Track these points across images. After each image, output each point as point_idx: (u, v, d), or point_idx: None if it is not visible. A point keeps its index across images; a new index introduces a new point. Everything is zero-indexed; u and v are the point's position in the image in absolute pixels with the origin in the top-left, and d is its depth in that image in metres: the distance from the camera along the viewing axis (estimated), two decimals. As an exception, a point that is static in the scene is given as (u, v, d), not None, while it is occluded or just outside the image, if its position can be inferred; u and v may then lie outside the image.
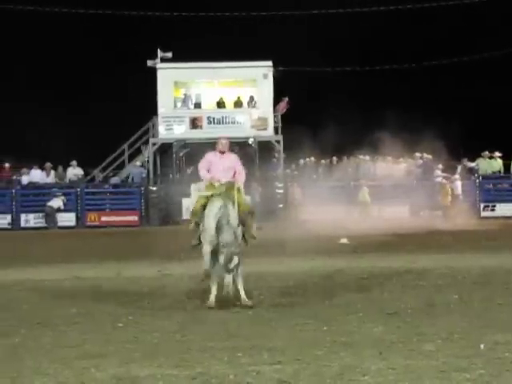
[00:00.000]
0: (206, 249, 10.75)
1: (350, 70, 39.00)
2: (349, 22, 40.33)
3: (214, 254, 10.79)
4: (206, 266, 10.76)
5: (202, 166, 11.31)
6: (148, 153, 34.00)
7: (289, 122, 33.15)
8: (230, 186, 10.97)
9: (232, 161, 11.42)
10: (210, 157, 11.39)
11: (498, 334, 8.68)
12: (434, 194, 30.41)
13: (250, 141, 33.05)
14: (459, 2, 37.83)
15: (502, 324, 9.29)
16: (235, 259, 10.46)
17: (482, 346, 8.18)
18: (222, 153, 11.38)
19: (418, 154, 32.54)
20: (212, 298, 10.71)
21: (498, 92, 41.16)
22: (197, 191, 11.62)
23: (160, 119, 33.64)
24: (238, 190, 11.02)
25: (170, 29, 39.24)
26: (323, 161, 34.72)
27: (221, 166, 11.21)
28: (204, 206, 10.90)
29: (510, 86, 40.95)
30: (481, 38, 40.43)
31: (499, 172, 33.39)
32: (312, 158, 34.29)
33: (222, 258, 10.48)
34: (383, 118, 28.60)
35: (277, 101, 34.09)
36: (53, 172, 34.14)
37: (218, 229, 10.52)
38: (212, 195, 10.92)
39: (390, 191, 30.31)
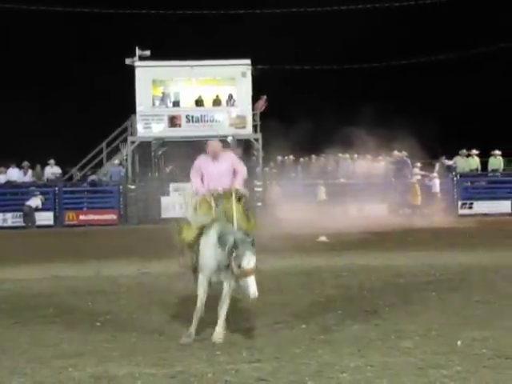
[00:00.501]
0: (203, 281, 9.13)
1: (328, 69, 39.06)
2: (327, 20, 40.45)
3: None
4: (200, 301, 9.05)
5: (194, 174, 9.59)
6: (126, 151, 33.89)
7: (268, 120, 33.15)
8: (228, 196, 9.26)
9: (228, 161, 9.66)
10: (201, 162, 9.65)
11: (475, 331, 8.75)
12: (413, 192, 30.52)
13: (229, 139, 33.02)
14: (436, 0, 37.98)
15: (479, 321, 9.37)
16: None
17: (459, 343, 8.24)
18: (215, 156, 9.62)
19: (396, 153, 32.66)
20: (192, 331, 8.95)
21: (475, 91, 41.44)
22: (186, 204, 9.68)
23: (138, 117, 33.53)
24: (239, 199, 9.36)
25: (148, 27, 39.16)
26: (302, 159, 34.77)
27: (215, 172, 9.52)
28: (199, 235, 9.20)
29: (487, 85, 41.23)
30: (461, 37, 40.61)
31: (476, 170, 33.59)
32: (291, 157, 34.33)
33: (226, 286, 9.11)
34: (362, 116, 28.64)
35: (256, 99, 34.10)
36: (30, 171, 33.92)
37: (219, 265, 8.96)
38: (205, 224, 9.16)
39: (368, 189, 30.40)
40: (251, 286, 8.43)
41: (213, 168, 9.54)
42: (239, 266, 8.52)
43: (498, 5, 41.64)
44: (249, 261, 8.52)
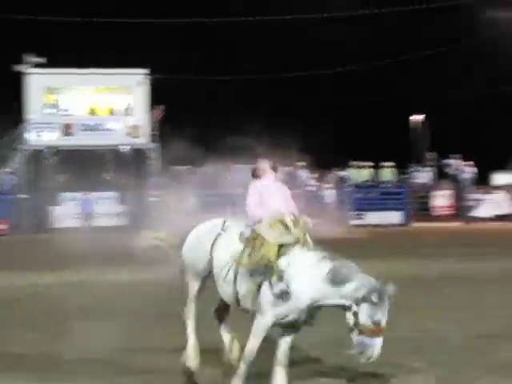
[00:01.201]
0: (268, 323, 7.02)
1: (227, 79, 39.29)
2: (222, 31, 40.74)
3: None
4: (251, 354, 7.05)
5: (253, 200, 7.62)
6: (18, 160, 33.15)
7: (165, 130, 33.05)
8: (303, 225, 7.49)
9: (282, 188, 7.88)
10: (259, 187, 7.72)
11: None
12: (304, 203, 30.92)
13: (124, 148, 32.78)
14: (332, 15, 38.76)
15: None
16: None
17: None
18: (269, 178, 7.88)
19: (299, 163, 32.99)
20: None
21: (367, 103, 42.42)
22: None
23: (30, 125, 32.87)
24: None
25: (43, 33, 38.41)
26: (200, 168, 34.75)
27: (280, 196, 7.67)
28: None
29: (381, 99, 42.25)
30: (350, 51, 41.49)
31: (368, 181, 34.35)
32: (188, 166, 34.28)
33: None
34: (258, 127, 28.90)
35: (153, 109, 33.93)
36: None
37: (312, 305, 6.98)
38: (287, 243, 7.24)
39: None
40: (377, 347, 6.69)
41: (276, 191, 7.73)
42: (371, 320, 6.67)
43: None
44: (383, 315, 6.73)
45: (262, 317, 6.95)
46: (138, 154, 33.39)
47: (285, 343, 7.03)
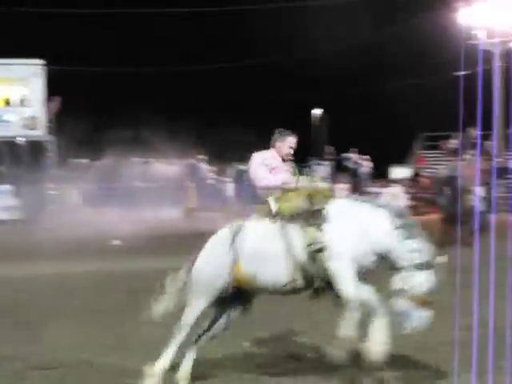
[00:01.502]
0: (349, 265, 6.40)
1: (123, 71, 38.90)
2: (120, 22, 40.37)
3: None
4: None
5: (259, 169, 7.24)
6: None
7: (63, 122, 32.46)
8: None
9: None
10: (268, 158, 7.36)
11: (264, 332, 9.02)
12: (205, 196, 30.95)
13: (20, 140, 32.04)
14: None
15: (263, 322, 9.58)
16: None
17: (246, 344, 8.46)
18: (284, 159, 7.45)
19: (199, 157, 32.94)
20: None
21: (266, 97, 42.70)
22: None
23: None
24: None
25: None
26: (99, 162, 34.31)
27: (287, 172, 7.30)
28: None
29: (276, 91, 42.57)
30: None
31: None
32: (87, 159, 33.82)
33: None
34: (158, 120, 28.76)
35: (50, 100, 33.27)
36: None
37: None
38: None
39: (163, 193, 30.47)
40: (424, 318, 6.23)
41: (282, 168, 7.31)
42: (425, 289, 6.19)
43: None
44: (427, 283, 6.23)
45: (340, 261, 6.26)
46: (35, 147, 32.68)
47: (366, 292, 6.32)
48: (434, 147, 34.52)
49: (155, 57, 40.40)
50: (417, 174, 32.00)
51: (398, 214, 6.41)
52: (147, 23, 40.86)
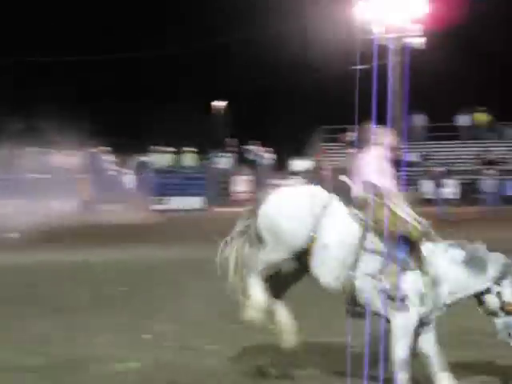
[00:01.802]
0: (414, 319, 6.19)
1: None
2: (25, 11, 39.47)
3: None
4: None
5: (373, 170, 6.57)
6: None
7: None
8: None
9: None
10: (380, 156, 6.64)
11: (167, 324, 8.99)
12: (105, 187, 30.50)
13: None
14: None
15: (166, 315, 9.55)
16: None
17: (146, 336, 8.44)
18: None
19: (101, 148, 32.47)
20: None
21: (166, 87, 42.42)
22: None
23: None
24: None
25: None
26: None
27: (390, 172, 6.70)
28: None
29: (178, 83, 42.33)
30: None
31: (170, 166, 34.49)
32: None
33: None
34: (53, 110, 28.16)
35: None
36: None
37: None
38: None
39: (58, 184, 29.78)
40: None
41: (387, 166, 6.69)
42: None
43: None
44: None
45: (405, 313, 6.04)
46: None
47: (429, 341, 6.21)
48: (334, 140, 35.02)
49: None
50: (317, 167, 32.39)
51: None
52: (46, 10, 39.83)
